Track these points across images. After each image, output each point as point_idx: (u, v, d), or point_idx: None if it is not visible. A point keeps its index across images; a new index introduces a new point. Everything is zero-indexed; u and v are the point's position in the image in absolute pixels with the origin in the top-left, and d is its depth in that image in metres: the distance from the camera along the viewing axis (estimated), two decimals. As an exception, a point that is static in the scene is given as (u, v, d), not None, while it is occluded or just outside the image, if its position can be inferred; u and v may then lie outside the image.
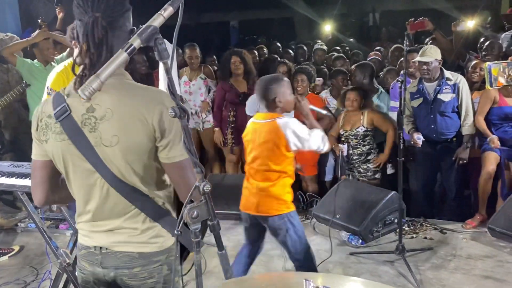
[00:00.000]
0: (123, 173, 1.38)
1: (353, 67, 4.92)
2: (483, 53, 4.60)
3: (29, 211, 2.81)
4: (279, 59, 5.05)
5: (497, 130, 3.95)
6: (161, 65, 3.65)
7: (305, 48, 6.55)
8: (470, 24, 4.95)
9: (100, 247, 1.48)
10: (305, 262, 2.74)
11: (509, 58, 1.62)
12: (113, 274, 1.50)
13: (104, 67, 0.94)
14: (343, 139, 4.42)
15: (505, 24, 5.70)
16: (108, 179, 1.39)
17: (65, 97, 1.39)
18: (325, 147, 2.63)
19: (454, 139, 4.08)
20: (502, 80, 1.56)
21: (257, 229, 2.84)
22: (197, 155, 1.12)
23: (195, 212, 1.10)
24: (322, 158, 4.84)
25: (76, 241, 3.00)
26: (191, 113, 5.00)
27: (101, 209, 1.45)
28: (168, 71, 1.01)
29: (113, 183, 1.39)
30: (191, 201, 1.12)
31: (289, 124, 2.57)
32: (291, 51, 6.55)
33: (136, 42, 0.96)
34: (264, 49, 6.33)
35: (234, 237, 4.17)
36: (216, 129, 4.82)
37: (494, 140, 3.87)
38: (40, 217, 3.03)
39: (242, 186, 2.83)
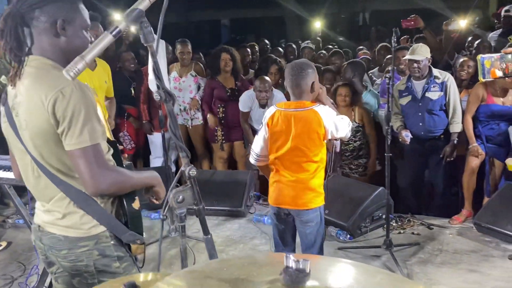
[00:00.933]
0: (40, 156, 1.46)
1: (344, 64, 4.95)
2: (473, 51, 4.67)
3: (16, 205, 2.79)
4: (273, 57, 5.06)
5: (483, 127, 4.01)
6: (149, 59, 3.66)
7: (294, 46, 6.57)
8: (462, 23, 5.01)
9: (39, 225, 1.60)
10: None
11: (502, 51, 1.66)
12: (48, 253, 1.59)
13: (89, 48, 0.95)
14: None
15: (496, 23, 5.78)
16: (35, 160, 1.47)
17: (7, 84, 1.52)
18: (349, 133, 2.61)
19: (442, 136, 4.13)
20: (498, 73, 1.59)
21: (291, 227, 2.72)
22: (182, 139, 1.12)
23: (181, 196, 1.11)
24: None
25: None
26: (180, 109, 4.99)
27: (36, 189, 1.55)
28: (153, 55, 1.01)
29: (39, 165, 1.47)
30: (177, 185, 1.13)
31: (328, 112, 2.48)
32: (281, 49, 6.57)
33: (122, 24, 0.96)
34: (256, 47, 6.33)
35: (223, 233, 4.18)
36: (208, 115, 4.79)
37: (475, 150, 3.92)
38: (28, 211, 3.02)
39: (270, 180, 2.69)
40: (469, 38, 4.91)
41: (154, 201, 1.65)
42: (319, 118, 2.44)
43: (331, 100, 2.81)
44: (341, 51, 5.76)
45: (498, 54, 1.66)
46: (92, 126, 1.39)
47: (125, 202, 1.55)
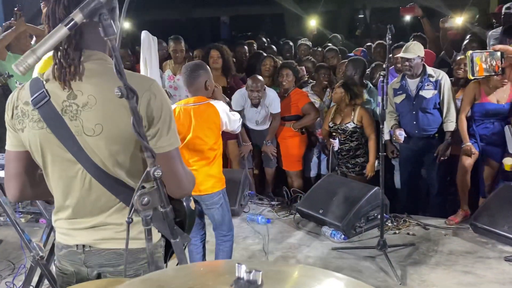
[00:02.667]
0: (106, 164, 1.29)
1: (346, 61, 4.89)
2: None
3: (0, 203, 2.74)
4: (264, 54, 5.00)
5: (478, 126, 3.96)
6: (141, 56, 3.61)
7: (291, 43, 6.52)
8: (458, 20, 4.94)
9: (83, 245, 1.39)
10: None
11: (491, 48, 1.61)
12: (96, 273, 1.41)
13: (41, 42, 0.89)
14: (332, 132, 4.39)
15: (494, 22, 5.71)
16: (91, 170, 1.30)
17: (44, 82, 1.29)
18: (238, 128, 2.99)
19: (436, 135, 4.08)
20: (485, 71, 1.55)
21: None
22: (146, 138, 1.07)
23: (146, 198, 1.05)
24: (306, 154, 4.82)
25: (49, 233, 2.97)
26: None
27: (82, 204, 1.36)
28: (114, 49, 0.96)
29: (96, 175, 1.30)
30: (143, 187, 1.07)
31: (223, 106, 2.83)
32: (274, 46, 6.52)
33: (77, 17, 0.91)
34: (254, 44, 6.28)
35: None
36: None
37: (468, 149, 3.85)
38: (13, 209, 2.98)
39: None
40: (467, 37, 4.83)
41: (191, 198, 1.58)
42: (215, 110, 2.77)
43: (227, 99, 3.30)
44: (336, 48, 5.69)
45: (487, 51, 1.60)
46: (176, 125, 1.35)
47: (184, 203, 1.47)
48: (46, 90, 1.28)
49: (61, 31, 0.90)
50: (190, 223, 1.50)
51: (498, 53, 1.58)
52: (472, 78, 1.63)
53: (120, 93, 1.00)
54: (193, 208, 1.54)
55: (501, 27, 4.74)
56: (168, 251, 1.47)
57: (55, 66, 1.26)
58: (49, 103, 1.27)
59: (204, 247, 3.18)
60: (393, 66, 4.38)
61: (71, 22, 0.90)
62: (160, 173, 1.05)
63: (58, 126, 1.27)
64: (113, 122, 1.25)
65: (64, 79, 1.25)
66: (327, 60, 5.42)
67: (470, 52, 1.58)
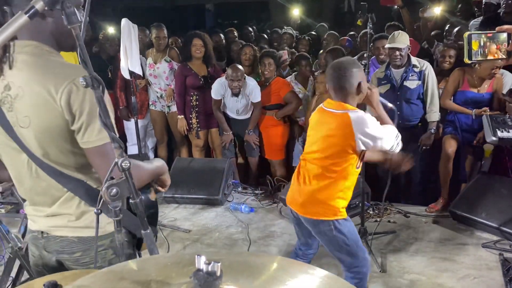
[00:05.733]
0: (42, 156, 1.30)
1: (324, 52, 4.88)
2: (452, 39, 4.63)
3: (-24, 194, 2.69)
4: (244, 42, 4.96)
5: (458, 114, 4.00)
6: (121, 44, 3.54)
7: (280, 32, 6.48)
8: (437, 10, 4.96)
9: (42, 231, 1.45)
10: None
11: (496, 28, 1.42)
12: (55, 259, 1.46)
13: (1, 30, 0.87)
14: None
15: (476, 11, 5.74)
16: (34, 160, 1.31)
17: None
18: (398, 146, 2.30)
19: (420, 124, 4.11)
20: (482, 55, 1.36)
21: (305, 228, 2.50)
22: (114, 129, 1.06)
23: (114, 189, 1.04)
24: (290, 144, 4.82)
25: (27, 224, 2.94)
26: (157, 96, 4.89)
27: (35, 192, 1.39)
28: (78, 38, 0.94)
29: (39, 164, 1.31)
30: (111, 178, 1.06)
31: (364, 121, 2.16)
32: (265, 35, 6.48)
33: (38, 4, 0.88)
34: (235, 32, 6.21)
35: (200, 221, 4.13)
36: (180, 116, 4.67)
37: (477, 111, 3.83)
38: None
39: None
40: (447, 26, 4.86)
41: (160, 189, 1.55)
42: (349, 125, 2.18)
43: (390, 104, 2.59)
44: (336, 33, 5.67)
45: (490, 32, 1.42)
46: (110, 119, 1.30)
47: (141, 196, 1.45)
48: None
49: (21, 19, 0.87)
50: (152, 214, 1.50)
51: (504, 35, 1.41)
52: (469, 62, 1.46)
53: (85, 83, 0.98)
54: (153, 199, 1.52)
55: (482, 17, 4.78)
56: (140, 243, 1.47)
57: None
58: None
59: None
60: (374, 56, 4.38)
61: (32, 9, 0.88)
62: (128, 164, 1.04)
63: (1, 116, 1.29)
64: (39, 115, 1.25)
65: None
66: (327, 43, 5.38)
67: (467, 33, 1.42)
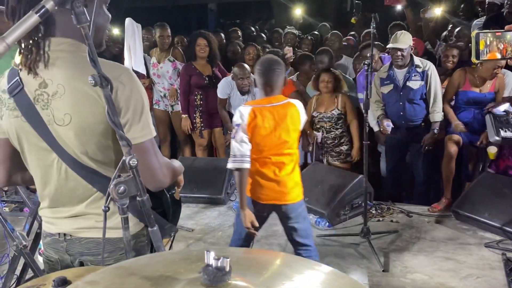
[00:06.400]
0: (78, 154, 1.28)
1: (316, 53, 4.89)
2: (453, 39, 4.63)
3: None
4: (248, 43, 4.98)
5: (460, 114, 4.02)
6: (125, 43, 3.56)
7: (280, 31, 6.48)
8: (438, 11, 4.97)
9: (64, 234, 1.40)
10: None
11: (506, 27, 1.41)
12: (78, 261, 1.43)
13: (12, 29, 0.88)
14: (316, 123, 4.39)
15: (480, 10, 5.74)
16: (65, 159, 1.29)
17: (19, 70, 1.28)
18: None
19: (423, 125, 4.12)
20: (497, 54, 1.33)
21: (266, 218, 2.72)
22: (121, 127, 1.06)
23: (122, 187, 1.05)
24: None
25: (32, 222, 2.95)
26: (160, 96, 4.91)
27: (60, 193, 1.36)
28: (87, 37, 0.95)
29: (71, 164, 1.29)
30: (119, 176, 1.07)
31: (301, 105, 2.59)
32: (263, 35, 6.49)
33: (49, 4, 0.89)
34: (238, 32, 6.23)
35: (202, 220, 4.15)
36: (184, 116, 4.69)
37: (458, 125, 3.91)
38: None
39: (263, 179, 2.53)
40: (450, 26, 4.87)
41: (177, 189, 1.57)
42: (297, 109, 2.53)
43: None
44: (339, 33, 5.68)
45: (499, 31, 1.40)
46: (150, 116, 1.31)
47: (167, 194, 1.47)
48: (20, 79, 1.27)
49: (32, 18, 0.88)
50: (174, 214, 1.51)
51: (510, 34, 1.40)
52: (477, 61, 1.45)
53: (93, 81, 1.00)
54: (178, 199, 1.54)
55: (485, 17, 4.78)
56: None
57: (22, 53, 1.25)
58: (23, 91, 1.26)
59: None
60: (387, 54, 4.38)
61: (42, 9, 0.89)
62: (136, 162, 1.05)
63: (32, 115, 1.27)
64: (81, 112, 1.23)
65: (29, 67, 1.23)
66: (330, 44, 5.40)
67: (475, 31, 1.40)
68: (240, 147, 2.41)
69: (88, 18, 0.95)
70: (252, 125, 2.44)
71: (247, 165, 2.42)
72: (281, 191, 2.52)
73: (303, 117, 2.54)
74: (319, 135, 4.37)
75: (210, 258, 0.68)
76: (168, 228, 1.45)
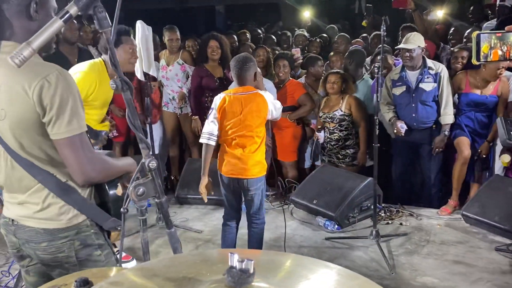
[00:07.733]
0: (16, 148, 1.40)
1: (347, 53, 4.87)
2: (453, 41, 4.64)
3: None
4: (258, 45, 4.98)
5: (461, 116, 4.01)
6: (137, 47, 3.58)
7: (288, 34, 6.49)
8: (440, 13, 4.97)
9: (12, 219, 1.54)
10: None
11: (506, 28, 1.40)
12: (24, 247, 1.55)
13: (37, 35, 0.90)
14: (322, 122, 4.40)
15: (489, 13, 5.71)
16: (8, 151, 1.42)
17: None
18: (279, 116, 3.13)
19: (434, 127, 4.10)
20: (499, 54, 1.31)
21: (238, 193, 3.11)
22: (141, 130, 1.08)
23: (141, 189, 1.07)
24: (301, 145, 4.83)
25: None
26: (169, 98, 4.92)
27: (10, 181, 1.49)
28: (109, 41, 0.96)
29: (13, 156, 1.42)
30: (138, 178, 1.09)
31: (269, 96, 2.98)
32: (273, 36, 6.50)
33: (72, 9, 0.91)
34: (247, 34, 6.25)
35: (211, 222, 4.16)
36: (194, 117, 4.71)
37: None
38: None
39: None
40: (451, 30, 4.87)
41: (127, 185, 1.61)
42: (264, 99, 2.92)
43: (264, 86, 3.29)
44: (346, 35, 5.69)
45: (499, 32, 1.37)
46: (80, 113, 1.38)
47: (107, 189, 1.54)
48: None
49: (56, 24, 0.90)
50: (116, 210, 1.55)
51: None
52: (477, 63, 1.43)
53: (115, 85, 1.01)
54: (119, 194, 1.58)
55: (495, 19, 4.76)
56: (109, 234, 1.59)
57: None
58: None
59: (237, 228, 3.26)
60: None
61: (66, 14, 0.91)
62: (155, 165, 1.07)
63: None
64: (13, 108, 1.35)
65: None
66: (337, 46, 5.40)
67: (476, 33, 1.38)
68: (209, 126, 2.94)
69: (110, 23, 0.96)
70: (222, 109, 2.91)
71: (212, 142, 2.94)
72: (243, 167, 2.93)
73: (270, 107, 2.93)
74: (321, 135, 4.37)
75: (234, 260, 0.69)
76: (111, 221, 1.54)
